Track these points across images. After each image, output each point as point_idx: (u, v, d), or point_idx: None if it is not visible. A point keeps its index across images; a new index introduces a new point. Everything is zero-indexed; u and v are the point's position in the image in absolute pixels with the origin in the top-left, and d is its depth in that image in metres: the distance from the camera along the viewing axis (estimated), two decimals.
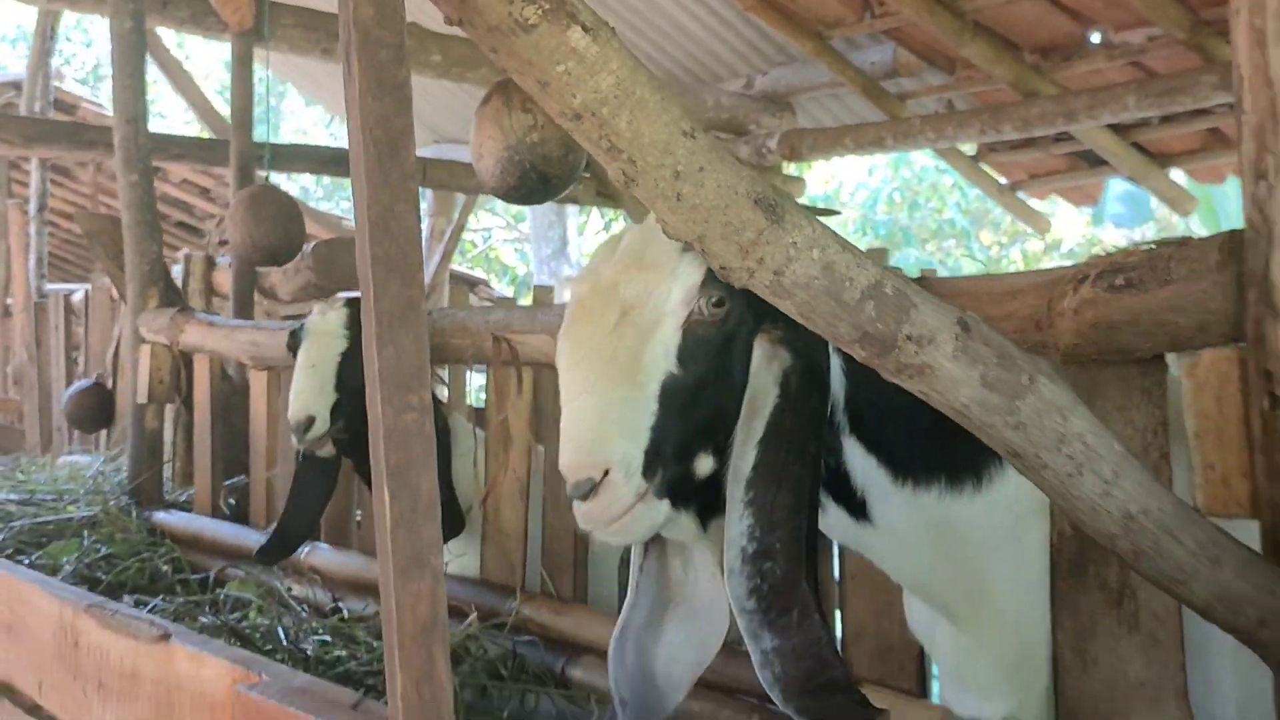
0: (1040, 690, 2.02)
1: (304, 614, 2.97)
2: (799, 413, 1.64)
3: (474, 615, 2.57)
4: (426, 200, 9.38)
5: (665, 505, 1.65)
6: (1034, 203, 5.86)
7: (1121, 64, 4.81)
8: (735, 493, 1.66)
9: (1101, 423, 1.41)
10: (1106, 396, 1.89)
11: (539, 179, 2.70)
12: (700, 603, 1.94)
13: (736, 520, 1.66)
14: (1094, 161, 5.39)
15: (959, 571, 1.97)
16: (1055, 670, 1.97)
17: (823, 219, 1.86)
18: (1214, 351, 1.70)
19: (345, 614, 2.96)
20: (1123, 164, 5.21)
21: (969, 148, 6.02)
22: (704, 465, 1.68)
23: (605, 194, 5.43)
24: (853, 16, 5.08)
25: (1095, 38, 4.79)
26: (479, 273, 20.91)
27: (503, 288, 19.48)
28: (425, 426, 1.12)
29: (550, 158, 2.67)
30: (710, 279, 1.65)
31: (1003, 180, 5.84)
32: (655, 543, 1.89)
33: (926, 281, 2.13)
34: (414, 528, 1.12)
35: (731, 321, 1.68)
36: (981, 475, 1.94)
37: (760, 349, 1.74)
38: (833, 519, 1.96)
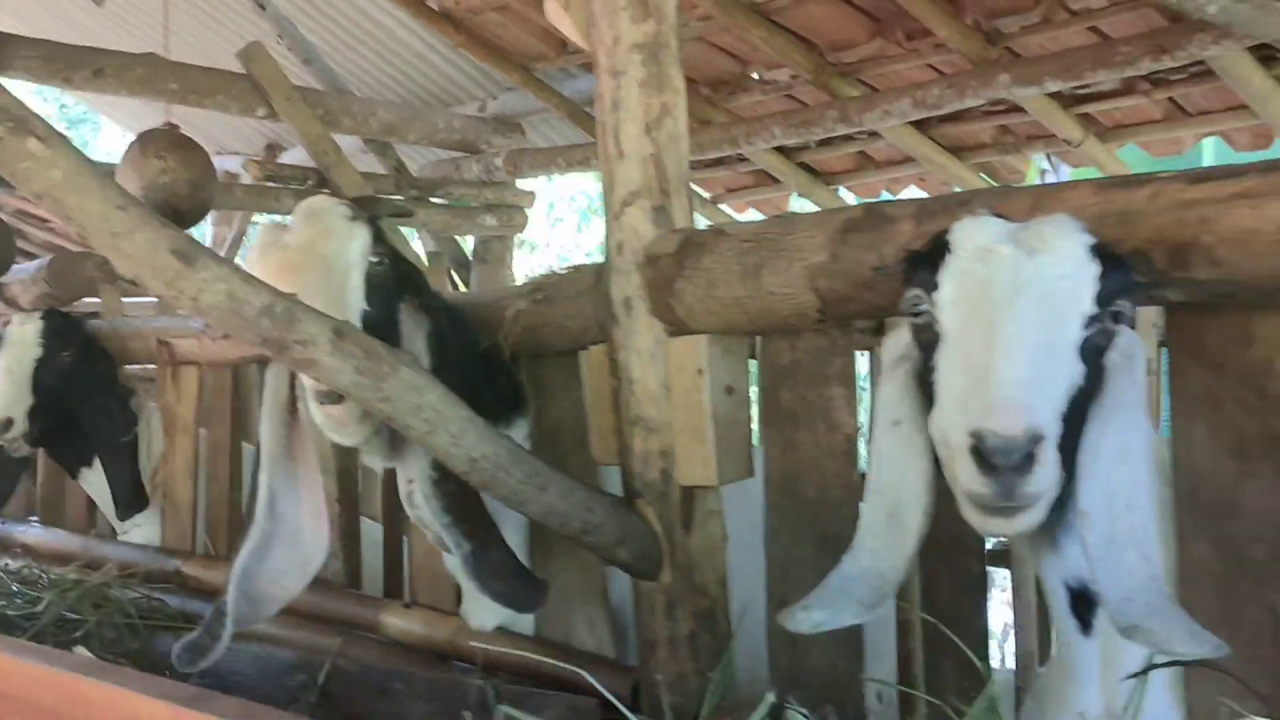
0: None
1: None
2: (450, 367, 2.20)
3: (110, 565, 3.13)
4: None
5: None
6: (737, 215, 6.62)
7: (776, 97, 5.59)
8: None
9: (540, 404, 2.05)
10: (552, 379, 2.56)
11: (173, 213, 3.29)
12: (304, 535, 2.45)
13: (421, 457, 2.21)
14: (775, 179, 6.17)
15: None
16: None
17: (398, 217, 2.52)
18: (597, 347, 2.38)
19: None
20: (790, 181, 6.01)
21: None
22: None
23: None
24: (552, 52, 5.75)
25: (755, 75, 5.55)
26: None
27: None
28: None
29: (180, 195, 3.28)
30: (374, 241, 2.25)
31: (705, 194, 6.59)
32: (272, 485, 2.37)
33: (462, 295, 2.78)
34: None
35: (390, 274, 2.26)
36: (512, 418, 2.59)
37: (406, 316, 2.30)
38: None
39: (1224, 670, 1.54)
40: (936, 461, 1.54)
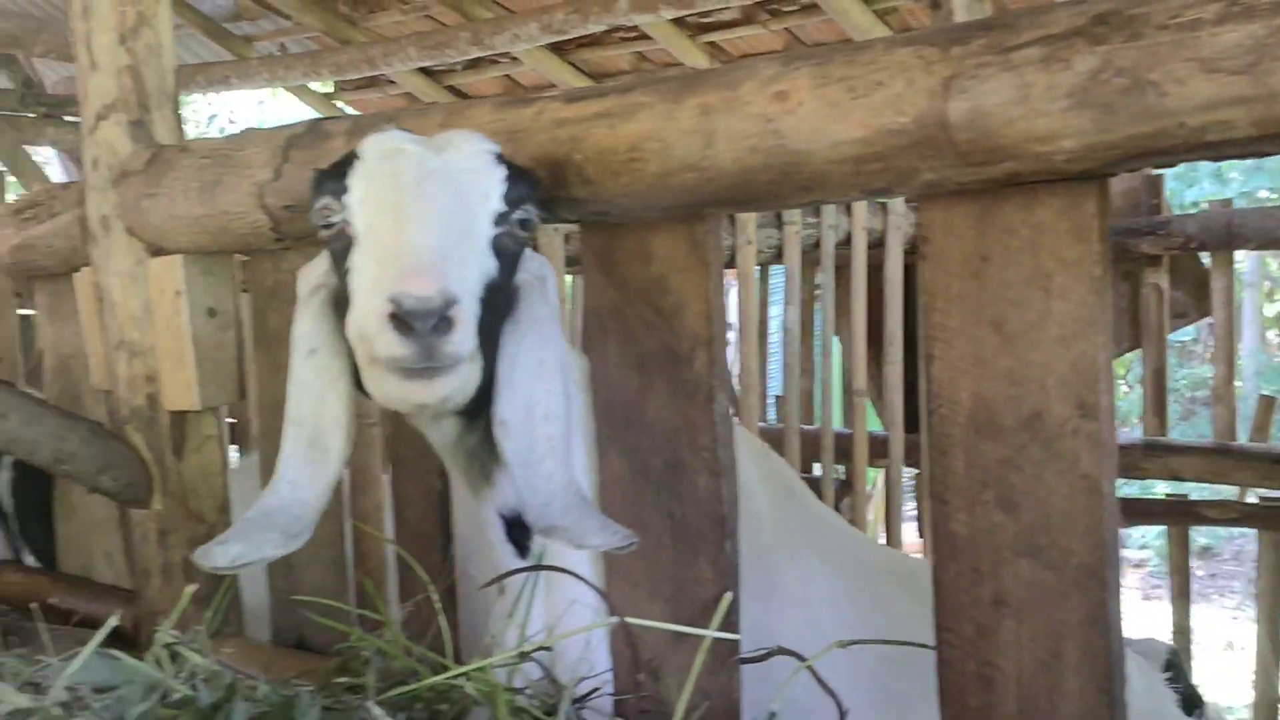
0: None
1: None
2: None
3: None
4: None
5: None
6: None
7: (416, 17, 5.50)
8: None
9: None
10: (62, 304, 2.45)
11: None
12: None
13: None
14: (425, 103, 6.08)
15: None
16: None
17: None
18: (87, 268, 2.27)
19: None
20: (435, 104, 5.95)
21: (326, 86, 6.58)
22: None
23: None
24: None
25: None
26: None
27: None
28: None
29: None
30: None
31: (356, 114, 6.44)
32: None
33: None
34: None
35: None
36: None
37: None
38: None
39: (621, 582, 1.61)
40: (359, 386, 1.50)
